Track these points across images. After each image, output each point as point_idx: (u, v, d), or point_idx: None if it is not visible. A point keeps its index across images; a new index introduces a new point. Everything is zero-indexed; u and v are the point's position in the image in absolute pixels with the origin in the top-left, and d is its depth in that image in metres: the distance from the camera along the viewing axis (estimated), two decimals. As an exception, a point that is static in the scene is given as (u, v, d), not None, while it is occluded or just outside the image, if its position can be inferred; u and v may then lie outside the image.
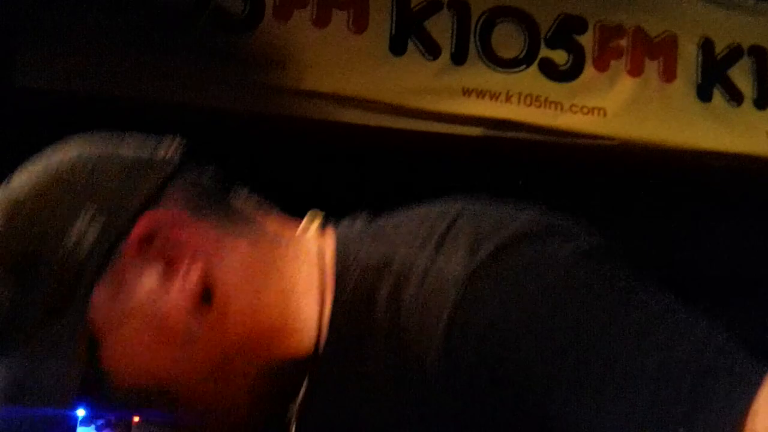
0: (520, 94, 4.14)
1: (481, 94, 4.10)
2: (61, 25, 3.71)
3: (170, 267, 0.99)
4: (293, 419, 1.05)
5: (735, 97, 4.40)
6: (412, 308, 0.95)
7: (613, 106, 4.22)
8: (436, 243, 0.96)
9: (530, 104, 4.13)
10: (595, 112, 4.20)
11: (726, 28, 4.43)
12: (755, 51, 4.53)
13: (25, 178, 1.03)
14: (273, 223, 1.08)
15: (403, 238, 1.00)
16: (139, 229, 0.98)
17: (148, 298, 0.99)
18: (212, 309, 1.00)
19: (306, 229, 1.09)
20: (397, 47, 4.06)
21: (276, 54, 3.58)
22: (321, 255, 1.05)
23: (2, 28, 3.63)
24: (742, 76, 4.47)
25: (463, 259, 0.93)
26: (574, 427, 0.86)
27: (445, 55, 4.08)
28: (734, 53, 4.49)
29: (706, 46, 4.35)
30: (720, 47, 4.38)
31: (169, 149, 1.05)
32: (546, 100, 4.16)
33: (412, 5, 4.06)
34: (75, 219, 0.97)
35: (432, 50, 4.08)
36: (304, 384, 1.04)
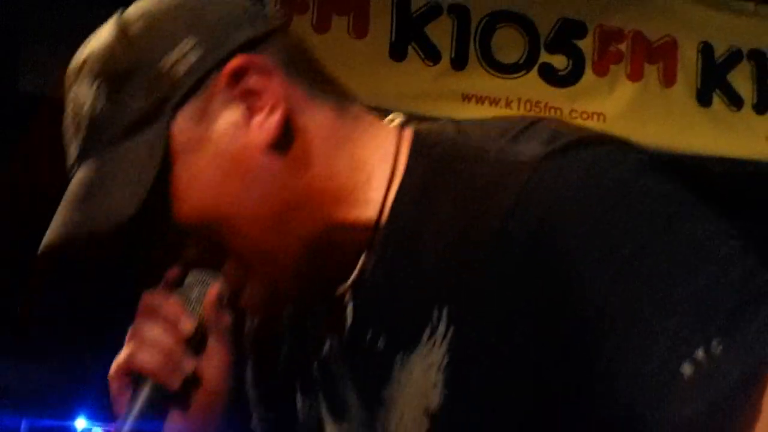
0: (519, 99, 4.15)
1: (480, 99, 4.10)
2: (66, 28, 3.72)
3: (254, 107, 1.04)
4: (349, 298, 1.09)
5: (735, 101, 4.41)
6: (479, 188, 0.97)
7: (613, 111, 4.22)
8: (513, 136, 1.00)
9: (530, 109, 4.13)
10: (595, 117, 4.21)
11: (725, 32, 4.44)
12: (755, 55, 4.54)
13: (141, 1, 1.10)
14: (359, 107, 1.13)
15: (482, 131, 1.05)
16: (233, 65, 1.04)
17: (227, 130, 1.04)
18: (287, 155, 1.04)
19: (390, 121, 1.14)
20: (398, 53, 4.08)
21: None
22: (399, 141, 1.09)
23: (6, 31, 3.64)
24: (741, 80, 4.48)
25: (537, 147, 0.96)
26: (608, 321, 0.86)
27: (445, 61, 4.09)
28: (734, 57, 4.50)
29: (706, 50, 4.36)
30: (720, 51, 4.39)
31: (277, 12, 1.09)
32: (546, 105, 4.17)
33: (413, 10, 4.07)
34: (177, 43, 1.04)
35: (432, 56, 4.08)
36: (360, 261, 1.08)
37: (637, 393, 0.84)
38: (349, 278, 1.09)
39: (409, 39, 4.10)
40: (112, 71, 1.06)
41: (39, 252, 1.06)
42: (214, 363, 1.10)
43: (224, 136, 1.04)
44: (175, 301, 1.10)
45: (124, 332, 1.09)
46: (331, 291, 1.10)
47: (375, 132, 1.11)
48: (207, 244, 1.08)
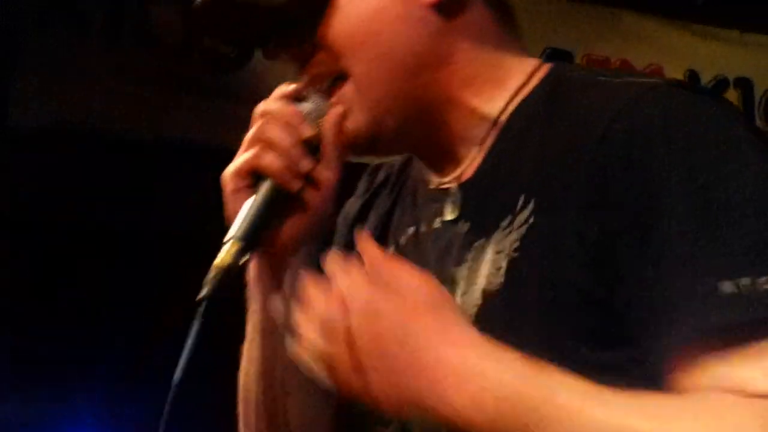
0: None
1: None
2: (55, 62, 3.74)
3: None
4: (454, 191, 1.19)
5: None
6: (593, 103, 1.07)
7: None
8: (627, 76, 1.14)
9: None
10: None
11: (711, 59, 4.48)
12: (741, 83, 4.58)
13: None
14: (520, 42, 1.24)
15: (601, 73, 1.20)
16: None
17: None
18: (446, 21, 1.16)
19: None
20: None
21: (266, 92, 3.60)
22: (538, 66, 1.20)
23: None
24: (728, 107, 4.52)
25: (639, 85, 1.06)
26: (673, 225, 0.93)
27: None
28: (720, 85, 4.54)
29: (692, 78, 4.39)
30: (706, 79, 4.43)
31: None
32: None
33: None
34: None
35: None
36: (470, 156, 1.18)
37: (673, 289, 0.91)
38: (454, 172, 1.20)
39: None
40: None
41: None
42: (327, 174, 1.18)
43: None
44: (295, 109, 1.18)
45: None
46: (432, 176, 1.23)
47: (522, 54, 1.22)
48: (334, 66, 1.18)
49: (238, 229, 1.12)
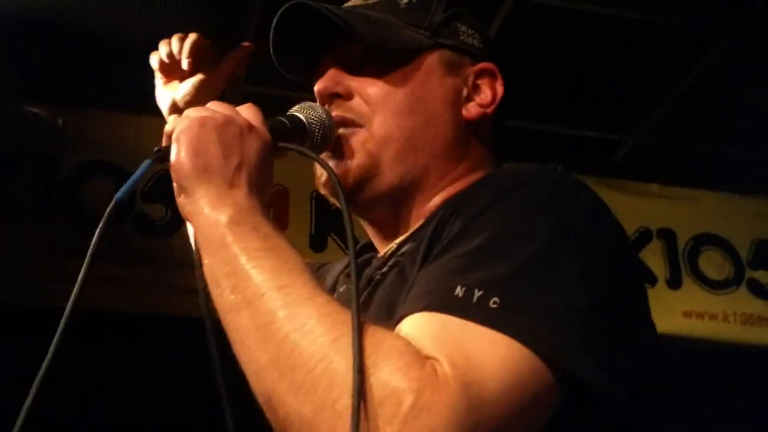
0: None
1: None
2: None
3: (476, 95, 1.43)
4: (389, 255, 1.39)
5: (649, 279, 4.54)
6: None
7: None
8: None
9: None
10: None
11: (633, 213, 4.61)
12: (664, 233, 4.70)
13: None
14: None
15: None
16: (487, 66, 1.44)
17: (454, 88, 1.43)
18: (471, 129, 1.42)
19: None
20: (317, 244, 4.19)
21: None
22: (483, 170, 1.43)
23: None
24: (653, 258, 4.63)
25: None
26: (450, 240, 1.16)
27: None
28: (644, 236, 4.66)
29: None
30: (629, 231, 4.52)
31: None
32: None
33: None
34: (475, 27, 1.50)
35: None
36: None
37: (426, 282, 1.11)
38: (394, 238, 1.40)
39: (328, 231, 4.22)
40: None
41: None
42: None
43: (446, 88, 1.42)
44: None
45: None
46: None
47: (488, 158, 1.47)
48: (357, 113, 1.38)
49: None
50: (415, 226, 1.37)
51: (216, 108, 1.22)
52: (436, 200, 1.38)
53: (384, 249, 1.41)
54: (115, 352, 3.72)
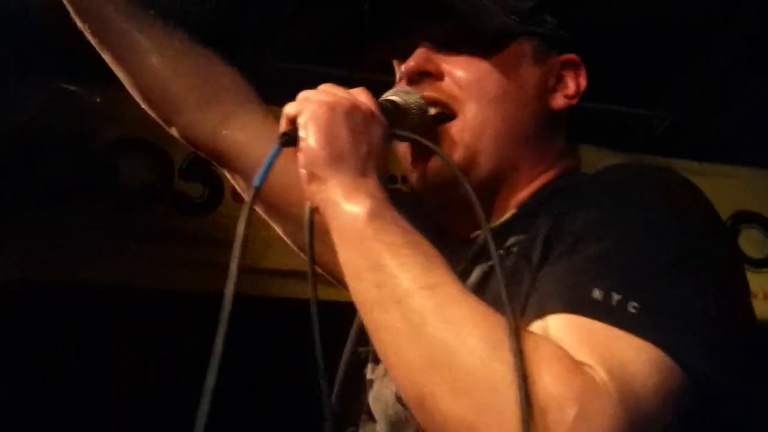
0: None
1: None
2: (25, 214, 3.76)
3: (562, 86, 1.43)
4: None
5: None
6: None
7: None
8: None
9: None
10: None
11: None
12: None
13: None
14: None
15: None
16: (573, 58, 1.45)
17: (543, 77, 1.43)
18: (545, 116, 1.41)
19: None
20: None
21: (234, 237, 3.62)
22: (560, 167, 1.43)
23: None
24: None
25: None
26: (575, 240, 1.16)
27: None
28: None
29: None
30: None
31: None
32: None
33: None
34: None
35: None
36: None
37: (558, 277, 1.12)
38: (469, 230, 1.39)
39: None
40: None
41: None
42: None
43: (535, 77, 1.40)
44: None
45: None
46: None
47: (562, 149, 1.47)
48: (447, 95, 1.36)
49: None
50: (506, 214, 1.38)
51: (337, 92, 1.21)
52: (528, 190, 1.39)
53: (466, 233, 1.39)
54: (151, 331, 3.73)
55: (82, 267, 3.77)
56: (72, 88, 3.99)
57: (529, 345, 1.00)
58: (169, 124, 1.66)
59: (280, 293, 3.93)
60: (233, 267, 1.08)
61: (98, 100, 4.05)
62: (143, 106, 1.67)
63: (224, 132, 1.61)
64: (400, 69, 1.43)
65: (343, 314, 1.34)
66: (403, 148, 1.39)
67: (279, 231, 1.68)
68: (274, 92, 1.68)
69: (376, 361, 1.41)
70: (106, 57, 1.64)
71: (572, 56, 1.45)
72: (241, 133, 1.62)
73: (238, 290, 1.12)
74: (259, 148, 1.55)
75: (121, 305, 3.78)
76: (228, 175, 1.69)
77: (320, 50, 3.75)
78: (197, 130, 1.63)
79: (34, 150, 3.87)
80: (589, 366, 1.00)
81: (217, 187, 4.03)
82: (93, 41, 1.63)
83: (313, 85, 1.26)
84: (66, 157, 3.97)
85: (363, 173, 1.17)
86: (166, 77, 1.62)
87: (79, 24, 1.62)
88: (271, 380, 3.91)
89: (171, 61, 1.61)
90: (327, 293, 1.36)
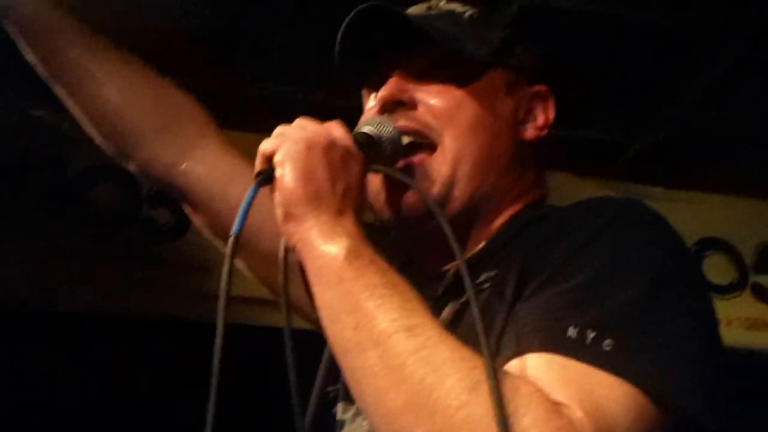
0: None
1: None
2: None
3: (531, 118, 1.44)
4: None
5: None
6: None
7: None
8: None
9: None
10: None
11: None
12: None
13: None
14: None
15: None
16: (543, 90, 1.46)
17: (512, 110, 1.44)
18: (532, 150, 1.43)
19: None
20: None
21: (203, 260, 3.62)
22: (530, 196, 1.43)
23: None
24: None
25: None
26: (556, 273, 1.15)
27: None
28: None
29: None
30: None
31: None
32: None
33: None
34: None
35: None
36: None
37: (536, 312, 1.12)
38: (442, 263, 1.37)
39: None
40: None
41: None
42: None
43: (506, 108, 1.40)
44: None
45: None
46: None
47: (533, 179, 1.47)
48: (424, 125, 1.36)
49: None
50: (477, 245, 1.37)
51: (312, 127, 1.20)
52: (499, 220, 1.39)
53: (437, 266, 1.38)
54: (121, 357, 3.71)
55: (53, 292, 3.77)
56: (40, 113, 3.97)
57: (507, 386, 1.01)
58: (126, 159, 1.62)
59: (252, 321, 3.92)
60: (220, 324, 1.11)
61: (66, 125, 4.04)
62: (98, 141, 1.62)
63: (182, 167, 1.59)
64: (371, 97, 1.42)
65: (319, 344, 1.34)
66: (375, 181, 1.36)
67: (242, 264, 1.64)
68: (253, 117, 1.67)
69: (347, 400, 1.39)
70: (58, 90, 1.60)
71: (541, 88, 1.45)
72: (200, 166, 1.59)
73: (211, 320, 1.13)
74: (219, 182, 1.54)
75: (86, 330, 3.76)
76: (187, 211, 1.66)
77: (296, 75, 3.74)
78: (154, 165, 1.61)
79: (4, 176, 3.86)
80: (566, 406, 1.01)
81: (184, 213, 4.01)
82: (44, 74, 1.59)
83: (287, 110, 1.26)
84: (39, 182, 3.95)
85: (341, 212, 1.16)
86: (121, 109, 1.57)
87: (30, 56, 1.58)
88: (242, 411, 3.89)
89: (126, 91, 1.58)
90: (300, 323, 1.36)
